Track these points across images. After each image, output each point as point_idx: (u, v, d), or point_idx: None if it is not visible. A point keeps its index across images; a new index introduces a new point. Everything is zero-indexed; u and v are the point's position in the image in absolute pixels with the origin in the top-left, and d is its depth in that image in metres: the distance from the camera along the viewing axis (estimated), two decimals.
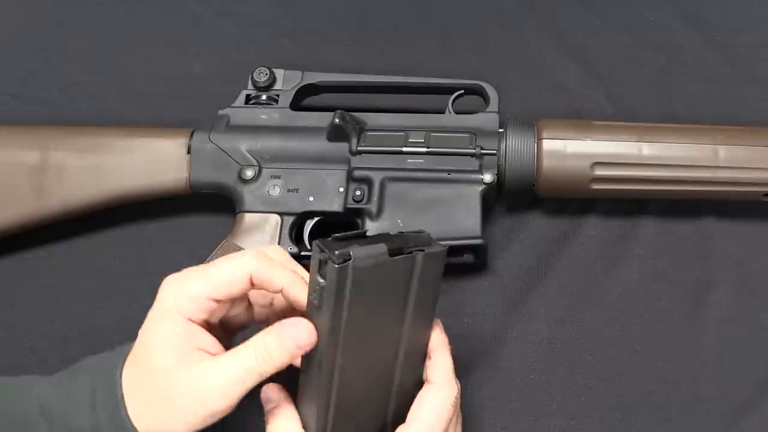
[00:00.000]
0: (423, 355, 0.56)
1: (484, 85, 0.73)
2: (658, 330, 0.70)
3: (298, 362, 0.53)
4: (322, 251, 0.48)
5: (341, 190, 0.69)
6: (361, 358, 0.52)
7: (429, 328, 0.55)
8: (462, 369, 0.68)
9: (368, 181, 0.69)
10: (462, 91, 0.73)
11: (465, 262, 0.70)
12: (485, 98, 0.73)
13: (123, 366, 0.52)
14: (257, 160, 0.70)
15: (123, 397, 0.51)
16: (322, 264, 0.48)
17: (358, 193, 0.69)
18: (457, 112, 0.72)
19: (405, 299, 0.52)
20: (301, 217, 0.70)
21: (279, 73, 0.74)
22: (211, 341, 0.52)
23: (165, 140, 0.72)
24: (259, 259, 0.52)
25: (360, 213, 0.69)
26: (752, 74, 0.81)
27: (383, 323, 0.52)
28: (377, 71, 0.76)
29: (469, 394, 0.68)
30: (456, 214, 0.68)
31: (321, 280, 0.48)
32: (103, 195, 0.71)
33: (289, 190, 0.70)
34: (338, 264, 0.47)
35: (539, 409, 0.67)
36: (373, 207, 0.68)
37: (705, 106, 0.79)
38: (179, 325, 0.51)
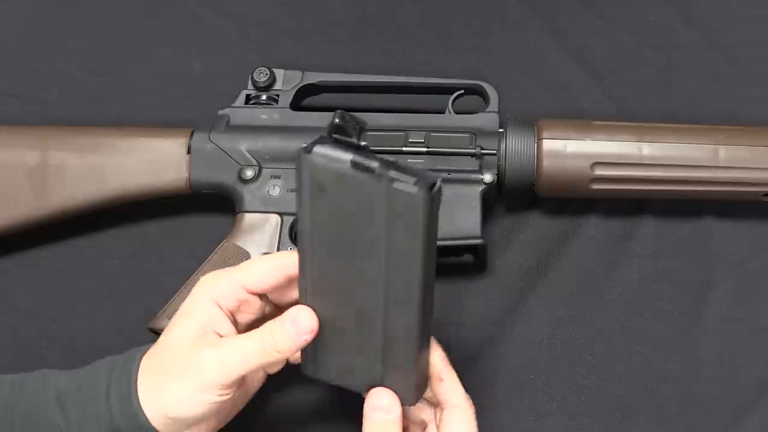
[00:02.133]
0: (409, 320, 0.52)
1: (484, 85, 0.73)
2: (658, 330, 0.70)
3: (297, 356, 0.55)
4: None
5: None
6: (337, 279, 0.51)
7: (415, 292, 0.50)
8: (462, 369, 0.68)
9: None
10: (462, 91, 0.73)
11: (465, 262, 0.70)
12: (485, 98, 0.73)
13: (143, 355, 0.54)
14: (257, 160, 0.70)
15: (136, 383, 0.52)
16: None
17: None
18: (457, 112, 0.72)
19: (377, 235, 0.48)
20: None
21: (279, 73, 0.74)
22: (228, 327, 0.54)
23: (165, 140, 0.72)
24: (294, 257, 0.53)
25: None
26: (752, 74, 0.80)
27: (354, 250, 0.50)
28: (378, 71, 0.76)
29: (469, 394, 0.68)
30: (456, 214, 0.68)
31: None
32: (103, 195, 0.71)
33: (289, 190, 0.70)
34: (302, 153, 0.47)
35: (539, 409, 0.67)
36: None
37: (705, 106, 0.79)
38: (205, 306, 0.53)
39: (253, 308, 0.55)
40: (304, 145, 0.48)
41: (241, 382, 0.54)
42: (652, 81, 0.81)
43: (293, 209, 0.69)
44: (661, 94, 0.80)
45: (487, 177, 0.69)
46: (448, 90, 0.73)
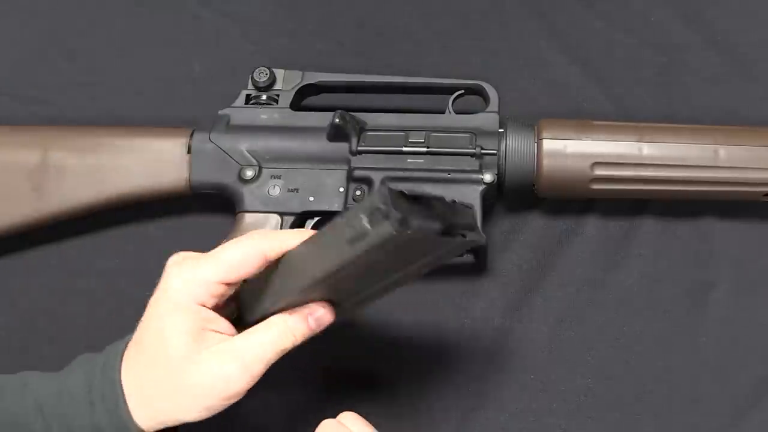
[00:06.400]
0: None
1: (484, 85, 0.73)
2: (658, 330, 0.70)
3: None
4: (385, 204, 0.45)
5: (341, 190, 0.69)
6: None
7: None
8: (462, 370, 0.69)
9: (368, 181, 0.69)
10: (462, 91, 0.73)
11: (465, 262, 0.70)
12: (485, 98, 0.73)
13: (122, 361, 0.52)
14: (257, 160, 0.70)
15: (123, 394, 0.50)
16: (376, 214, 0.46)
17: (358, 193, 0.69)
18: (457, 112, 0.72)
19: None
20: (301, 217, 0.70)
21: (279, 73, 0.74)
22: (225, 325, 0.52)
23: (165, 140, 0.72)
24: (268, 237, 0.52)
25: None
26: (752, 74, 0.80)
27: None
28: (378, 71, 0.75)
29: (470, 394, 0.68)
30: None
31: (367, 226, 0.46)
32: (103, 195, 0.71)
33: (289, 190, 0.70)
34: (395, 229, 0.45)
35: (539, 409, 0.67)
36: None
37: (705, 106, 0.79)
38: (192, 312, 0.51)
39: (233, 288, 0.53)
40: (383, 211, 0.45)
41: None
42: (652, 81, 0.80)
43: (293, 209, 0.69)
44: (661, 94, 0.80)
45: (487, 177, 0.69)
46: (448, 90, 0.73)
